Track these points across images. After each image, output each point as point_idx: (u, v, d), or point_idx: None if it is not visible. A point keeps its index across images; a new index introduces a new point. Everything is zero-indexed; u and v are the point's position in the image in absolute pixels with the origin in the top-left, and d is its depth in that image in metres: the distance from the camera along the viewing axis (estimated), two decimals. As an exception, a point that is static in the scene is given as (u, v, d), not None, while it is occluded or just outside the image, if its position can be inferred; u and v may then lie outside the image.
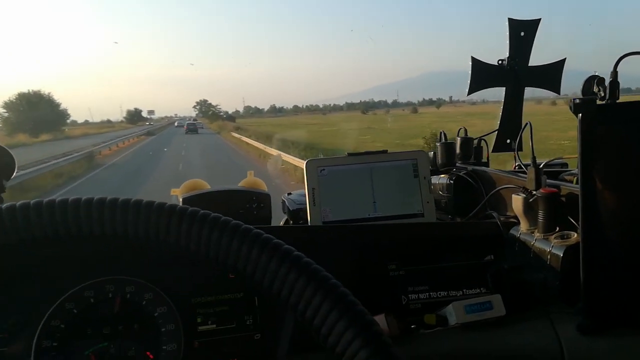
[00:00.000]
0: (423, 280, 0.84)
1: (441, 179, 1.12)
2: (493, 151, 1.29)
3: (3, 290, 0.71)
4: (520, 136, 0.99)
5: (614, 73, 0.71)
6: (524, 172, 0.88)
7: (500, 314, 0.73)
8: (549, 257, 0.75)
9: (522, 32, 1.23)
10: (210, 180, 1.14)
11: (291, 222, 1.10)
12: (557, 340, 0.70)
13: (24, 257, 0.71)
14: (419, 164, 1.02)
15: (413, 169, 1.01)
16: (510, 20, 1.23)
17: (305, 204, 0.99)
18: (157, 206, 0.46)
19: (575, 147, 0.69)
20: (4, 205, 0.43)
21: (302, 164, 1.05)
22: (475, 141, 1.25)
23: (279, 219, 1.17)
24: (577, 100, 0.66)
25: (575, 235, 0.74)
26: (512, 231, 0.86)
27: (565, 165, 1.21)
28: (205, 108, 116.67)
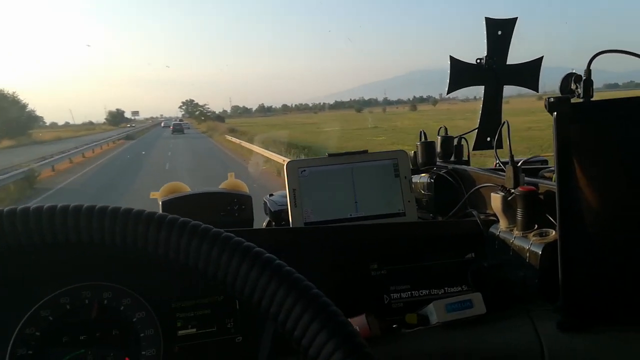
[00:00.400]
0: (405, 279, 0.84)
1: (422, 178, 1.13)
2: (474, 149, 1.30)
3: None
4: (500, 134, 1.00)
5: (588, 71, 0.72)
6: (503, 171, 0.88)
7: (481, 312, 0.74)
8: (528, 254, 0.76)
9: (499, 31, 1.24)
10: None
11: (273, 223, 1.10)
12: (537, 338, 0.70)
13: None
14: (399, 163, 1.02)
15: (394, 168, 1.02)
16: (487, 20, 1.24)
17: (287, 204, 0.98)
18: (135, 213, 0.45)
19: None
20: None
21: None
22: (456, 140, 1.26)
23: (261, 220, 1.16)
24: (552, 99, 0.67)
25: (554, 232, 0.75)
26: (491, 229, 0.87)
27: (545, 162, 1.23)
28: (191, 108, 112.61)
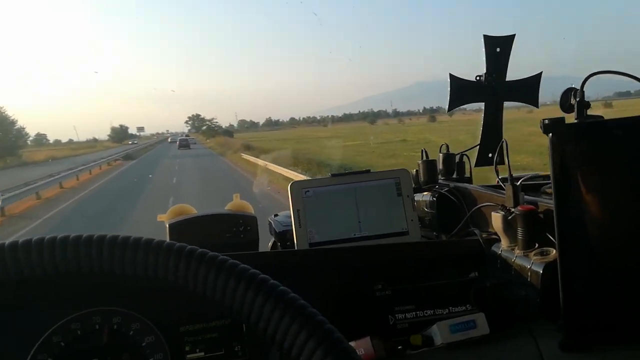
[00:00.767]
0: (409, 300, 0.85)
1: (424, 197, 1.14)
2: (475, 166, 1.31)
3: None
4: (499, 152, 1.01)
5: (581, 93, 0.74)
6: (504, 188, 0.89)
7: (484, 332, 0.74)
8: (529, 274, 0.77)
9: (498, 48, 1.26)
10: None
11: (279, 243, 1.11)
12: (539, 358, 0.71)
13: (7, 291, 0.71)
14: (402, 182, 1.03)
15: (396, 187, 1.03)
16: (486, 37, 1.26)
17: (292, 225, 1.00)
18: (145, 243, 0.47)
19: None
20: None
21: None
22: (457, 157, 1.27)
23: (267, 241, 1.17)
24: (547, 121, 0.68)
25: (554, 251, 0.75)
26: (493, 248, 0.87)
27: (547, 178, 1.23)
28: (198, 123, 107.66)
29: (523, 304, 0.78)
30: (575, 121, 0.73)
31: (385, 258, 0.89)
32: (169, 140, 73.26)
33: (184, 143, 47.73)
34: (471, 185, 1.16)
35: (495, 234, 0.90)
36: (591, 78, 0.78)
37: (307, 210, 1.00)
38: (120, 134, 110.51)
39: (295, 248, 0.98)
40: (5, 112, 45.54)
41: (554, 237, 0.76)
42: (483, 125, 1.32)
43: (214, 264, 0.46)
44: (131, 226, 9.87)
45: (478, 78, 1.28)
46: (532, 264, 0.76)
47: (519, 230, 0.80)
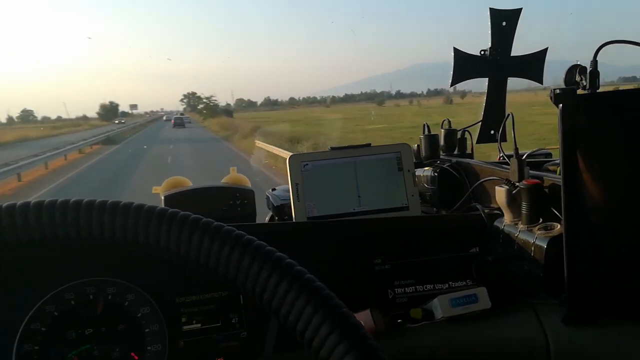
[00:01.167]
0: (409, 274, 0.84)
1: (425, 172, 1.12)
2: (477, 142, 1.29)
3: None
4: (504, 127, 0.99)
5: (594, 62, 0.71)
6: (508, 164, 0.88)
7: (486, 306, 0.74)
8: (532, 248, 0.75)
9: (504, 22, 1.23)
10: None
11: (276, 218, 1.10)
12: (542, 332, 0.70)
13: (1, 260, 0.69)
14: (402, 157, 1.01)
15: (397, 162, 1.01)
16: (492, 10, 1.23)
17: (290, 199, 0.98)
18: (147, 210, 0.45)
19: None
20: None
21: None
22: (459, 133, 1.25)
23: (264, 215, 1.16)
24: (558, 91, 0.66)
25: (559, 226, 0.74)
26: (496, 223, 0.86)
27: (549, 155, 1.22)
28: (193, 101, 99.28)
29: (526, 278, 0.77)
30: (587, 92, 0.70)
31: (384, 231, 0.87)
32: (164, 118, 71.64)
33: (179, 122, 46.79)
34: (474, 160, 1.15)
35: (498, 209, 0.88)
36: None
37: (306, 184, 0.98)
38: (110, 112, 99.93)
39: None
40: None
41: (559, 212, 0.75)
42: (486, 102, 1.30)
43: (229, 238, 0.44)
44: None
45: (483, 53, 1.26)
46: (536, 238, 0.75)
47: (524, 205, 0.79)
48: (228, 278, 0.43)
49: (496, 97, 1.29)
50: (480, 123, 1.31)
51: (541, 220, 0.78)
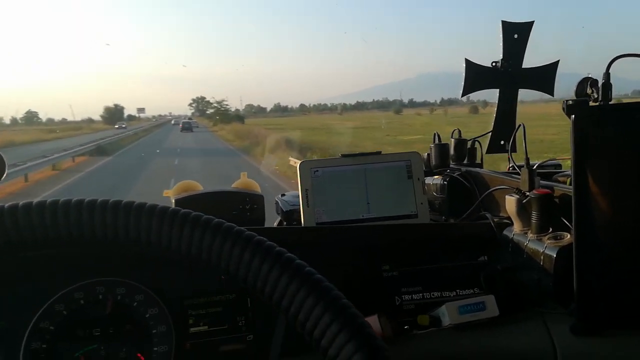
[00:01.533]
0: (417, 281, 0.84)
1: (435, 180, 1.12)
2: (487, 152, 1.30)
3: None
4: (514, 138, 1.00)
5: (607, 75, 0.72)
6: (518, 174, 0.88)
7: (494, 314, 0.73)
8: (542, 258, 0.75)
9: (516, 35, 1.24)
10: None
11: (285, 223, 1.10)
12: (550, 341, 0.70)
13: (12, 258, 0.70)
14: (412, 165, 1.01)
15: (407, 170, 1.01)
16: (504, 23, 1.24)
17: (299, 205, 0.98)
18: (160, 210, 0.45)
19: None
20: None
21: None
22: (469, 142, 1.25)
23: (273, 220, 1.16)
24: (570, 102, 0.66)
25: (569, 236, 0.74)
26: (505, 232, 0.86)
27: (559, 166, 1.22)
28: (202, 106, 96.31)
29: (534, 287, 0.77)
30: (599, 104, 0.71)
31: (393, 238, 0.87)
32: (172, 122, 70.78)
33: (187, 126, 46.37)
34: (483, 169, 1.15)
35: (507, 218, 0.88)
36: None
37: (316, 190, 0.99)
38: (114, 115, 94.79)
39: None
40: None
41: (569, 222, 0.75)
42: (497, 112, 1.30)
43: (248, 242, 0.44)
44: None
45: (494, 64, 1.26)
46: (546, 247, 0.75)
47: (533, 214, 0.79)
48: (257, 288, 0.44)
49: (507, 108, 1.30)
50: (490, 133, 1.31)
51: (551, 229, 0.78)
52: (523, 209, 0.81)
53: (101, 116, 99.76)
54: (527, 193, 0.81)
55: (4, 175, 0.86)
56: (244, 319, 0.76)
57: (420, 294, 0.83)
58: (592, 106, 0.68)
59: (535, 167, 0.84)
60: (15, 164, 13.96)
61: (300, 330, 0.43)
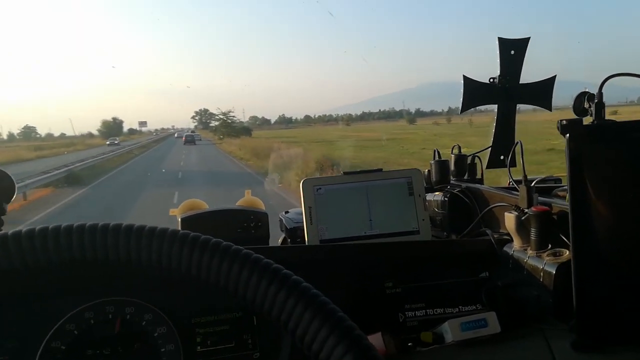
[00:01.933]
0: (419, 298, 0.85)
1: (436, 197, 1.14)
2: (487, 167, 1.31)
3: (2, 312, 0.72)
4: (513, 153, 1.01)
5: (600, 94, 0.74)
6: (517, 190, 0.89)
7: (495, 331, 0.74)
8: (542, 274, 0.76)
9: (512, 51, 1.26)
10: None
11: (289, 240, 1.11)
12: (551, 357, 0.70)
13: (24, 279, 0.72)
14: (414, 181, 1.03)
15: (408, 187, 1.03)
16: (500, 40, 1.26)
17: (303, 222, 1.00)
18: (171, 233, 0.47)
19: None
20: (9, 232, 0.45)
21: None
22: (469, 158, 1.27)
23: (277, 237, 1.18)
24: (564, 122, 0.68)
25: (567, 252, 0.75)
26: (505, 248, 0.87)
27: (559, 180, 1.23)
28: (205, 118, 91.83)
29: (535, 304, 0.78)
30: (593, 123, 0.72)
31: (396, 256, 0.89)
32: (175, 135, 69.80)
33: (190, 139, 46.08)
34: (483, 186, 1.16)
35: (507, 234, 0.90)
36: (609, 81, 0.77)
37: (319, 207, 1.00)
38: (113, 129, 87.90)
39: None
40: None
41: (567, 238, 0.76)
42: (495, 128, 1.32)
43: (249, 262, 0.46)
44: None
45: (492, 80, 1.28)
46: (545, 264, 0.76)
47: (532, 231, 0.80)
48: (251, 303, 0.45)
49: (505, 123, 1.31)
50: (489, 149, 1.33)
51: (550, 246, 0.79)
52: (522, 226, 0.83)
53: (98, 130, 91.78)
54: (526, 210, 0.82)
55: (14, 196, 0.89)
56: (251, 337, 0.77)
57: (423, 311, 0.85)
58: (585, 125, 0.70)
59: (534, 183, 0.86)
60: None
61: (307, 353, 0.44)
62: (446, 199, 1.11)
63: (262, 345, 0.77)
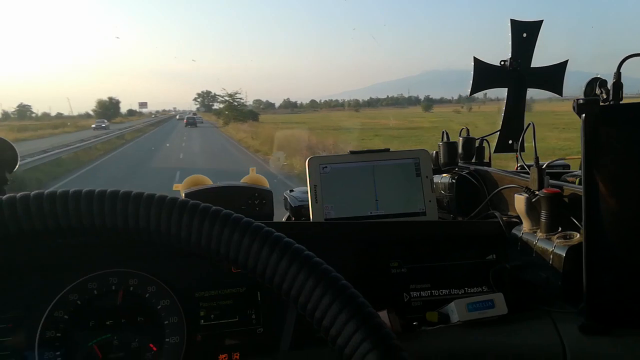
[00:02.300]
0: (425, 278, 0.85)
1: (443, 179, 1.13)
2: (495, 152, 1.30)
3: (7, 281, 0.71)
4: (523, 137, 1.00)
5: (617, 74, 0.72)
6: (526, 173, 0.88)
7: (502, 312, 0.74)
8: (551, 257, 0.76)
9: (525, 34, 1.24)
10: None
11: (293, 218, 1.11)
12: (559, 340, 0.70)
13: (27, 249, 0.71)
14: (421, 162, 1.02)
15: (415, 167, 1.02)
16: (513, 22, 1.24)
17: (308, 201, 0.99)
18: (181, 203, 0.46)
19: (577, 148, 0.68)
20: (4, 197, 0.43)
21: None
22: (477, 141, 1.26)
23: (281, 216, 1.17)
24: (581, 101, 0.67)
25: (578, 235, 0.75)
26: (514, 231, 0.86)
27: (567, 166, 1.22)
28: (208, 101, 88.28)
29: (543, 286, 0.77)
30: (610, 103, 0.71)
31: (402, 235, 0.88)
32: (177, 117, 69.01)
33: (191, 121, 45.34)
34: (492, 168, 1.15)
35: (516, 217, 0.88)
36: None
37: (324, 186, 0.99)
38: (109, 110, 79.75)
39: None
40: None
41: (578, 221, 0.75)
42: (504, 112, 1.30)
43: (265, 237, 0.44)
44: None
45: (503, 63, 1.26)
46: (555, 246, 0.75)
47: (543, 213, 0.79)
48: (254, 272, 0.44)
49: (515, 107, 1.30)
50: (498, 133, 1.31)
51: (560, 229, 0.78)
52: (532, 208, 0.81)
53: (93, 111, 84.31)
54: (537, 192, 0.81)
55: (17, 166, 0.88)
56: (254, 312, 0.77)
57: (429, 291, 0.84)
58: (602, 105, 0.68)
59: (544, 166, 0.84)
60: None
61: (316, 327, 0.43)
62: (454, 180, 1.09)
63: (265, 320, 0.77)
